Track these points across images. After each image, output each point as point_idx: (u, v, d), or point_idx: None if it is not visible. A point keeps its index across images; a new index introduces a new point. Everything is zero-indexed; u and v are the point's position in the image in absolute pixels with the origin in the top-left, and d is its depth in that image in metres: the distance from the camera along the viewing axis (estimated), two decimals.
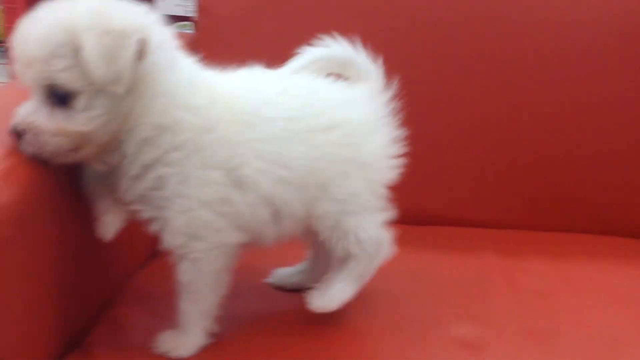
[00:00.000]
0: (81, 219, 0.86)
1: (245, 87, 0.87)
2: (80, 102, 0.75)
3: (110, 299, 0.98)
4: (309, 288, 0.93)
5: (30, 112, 0.76)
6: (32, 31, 0.75)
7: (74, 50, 0.73)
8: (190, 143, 0.80)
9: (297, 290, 0.98)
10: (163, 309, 0.91)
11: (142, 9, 0.80)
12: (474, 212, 1.23)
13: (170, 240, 0.83)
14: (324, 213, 0.89)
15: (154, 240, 0.86)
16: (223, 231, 0.83)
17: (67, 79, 0.74)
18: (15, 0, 2.50)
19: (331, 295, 0.90)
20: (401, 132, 0.94)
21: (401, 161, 0.94)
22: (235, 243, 0.85)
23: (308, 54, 0.94)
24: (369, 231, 0.91)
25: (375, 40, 0.93)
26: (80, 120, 0.75)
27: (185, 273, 0.85)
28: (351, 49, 0.94)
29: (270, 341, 0.89)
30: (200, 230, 0.82)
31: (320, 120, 0.88)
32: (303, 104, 0.88)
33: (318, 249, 0.99)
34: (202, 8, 1.26)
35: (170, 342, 0.87)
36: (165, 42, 0.81)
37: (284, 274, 1.02)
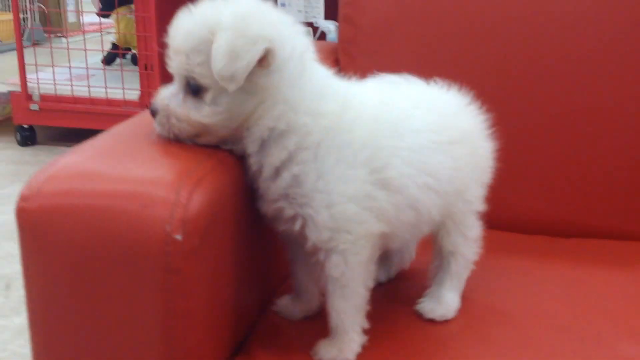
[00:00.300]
0: (252, 224, 0.90)
1: (379, 97, 0.91)
2: (208, 97, 0.81)
3: (268, 302, 1.01)
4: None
5: (168, 95, 0.84)
6: (182, 24, 0.82)
7: (210, 48, 0.79)
8: (323, 143, 0.83)
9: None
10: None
11: (286, 19, 0.84)
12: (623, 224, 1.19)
13: (316, 235, 0.84)
14: (454, 212, 0.95)
15: None
16: (367, 222, 0.85)
17: (200, 73, 0.80)
18: (148, 9, 2.62)
19: (448, 304, 0.95)
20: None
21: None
22: (379, 233, 0.87)
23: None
24: (476, 230, 0.99)
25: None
26: (204, 113, 0.82)
27: (335, 267, 0.86)
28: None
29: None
30: (345, 223, 0.84)
31: (453, 133, 0.92)
32: (437, 118, 0.92)
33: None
34: (345, 17, 1.27)
35: (331, 349, 0.88)
36: (298, 53, 0.83)
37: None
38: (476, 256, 0.99)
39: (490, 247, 1.11)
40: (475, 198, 0.97)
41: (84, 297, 0.76)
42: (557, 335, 0.91)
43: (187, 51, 0.81)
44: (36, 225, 0.75)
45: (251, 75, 0.79)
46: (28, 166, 2.83)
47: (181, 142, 0.85)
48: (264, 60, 0.79)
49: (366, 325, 0.89)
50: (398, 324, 0.94)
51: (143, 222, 0.73)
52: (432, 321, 0.94)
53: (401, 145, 0.86)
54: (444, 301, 0.95)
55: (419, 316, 0.95)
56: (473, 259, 0.99)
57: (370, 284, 0.88)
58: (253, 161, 0.84)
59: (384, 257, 1.02)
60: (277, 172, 0.83)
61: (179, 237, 0.73)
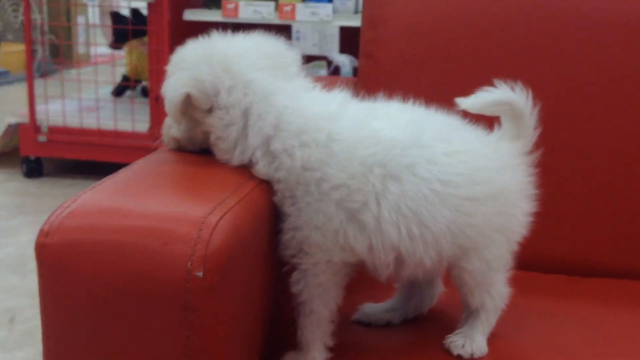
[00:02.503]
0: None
1: (401, 135, 0.86)
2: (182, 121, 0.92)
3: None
4: (395, 324, 0.99)
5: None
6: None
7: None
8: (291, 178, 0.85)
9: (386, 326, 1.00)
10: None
11: (254, 63, 0.89)
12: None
13: (283, 251, 0.88)
14: (472, 270, 0.91)
15: None
16: (330, 251, 0.86)
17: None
18: (162, 42, 2.64)
19: (479, 345, 0.92)
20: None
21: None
22: (343, 262, 0.87)
23: (479, 97, 0.93)
24: (502, 287, 0.95)
25: None
26: (174, 131, 0.93)
27: (295, 284, 0.89)
28: (519, 97, 0.93)
29: None
30: (307, 247, 0.86)
31: (478, 190, 0.87)
32: (466, 171, 0.86)
33: (411, 287, 1.00)
34: (365, 53, 1.28)
35: None
36: (245, 85, 0.87)
37: (371, 310, 1.01)
38: (504, 305, 0.96)
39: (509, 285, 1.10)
40: (497, 257, 0.91)
41: (102, 334, 0.75)
42: None
43: None
44: (56, 260, 0.74)
45: (191, 112, 0.89)
46: (33, 198, 2.83)
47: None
48: (195, 101, 0.87)
49: (330, 343, 0.91)
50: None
51: (164, 259, 0.72)
52: (459, 357, 0.92)
53: (390, 189, 0.84)
54: (475, 340, 0.93)
55: (446, 352, 0.93)
56: (501, 308, 0.96)
57: (333, 306, 0.90)
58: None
59: (404, 298, 1.01)
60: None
61: (199, 274, 0.72)
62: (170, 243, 0.72)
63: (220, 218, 0.76)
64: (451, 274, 0.93)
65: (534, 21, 1.21)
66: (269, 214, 0.87)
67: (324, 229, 0.85)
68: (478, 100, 0.92)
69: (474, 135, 0.92)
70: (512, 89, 0.93)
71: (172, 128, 0.94)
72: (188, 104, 0.88)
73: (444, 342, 0.94)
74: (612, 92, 1.18)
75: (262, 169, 0.87)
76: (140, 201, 0.77)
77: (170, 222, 0.74)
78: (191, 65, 0.88)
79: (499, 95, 0.92)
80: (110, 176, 0.86)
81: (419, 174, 0.84)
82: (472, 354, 0.92)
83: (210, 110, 0.88)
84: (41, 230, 0.75)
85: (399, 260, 0.87)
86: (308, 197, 0.84)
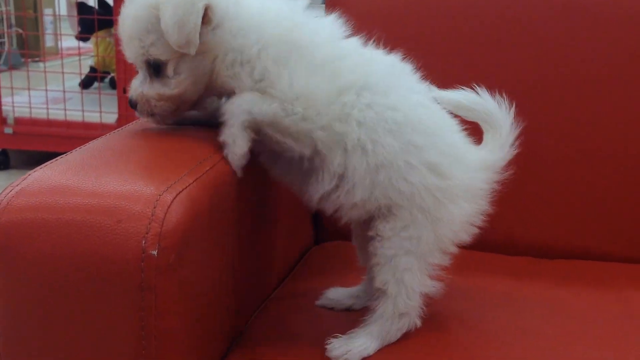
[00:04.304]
0: (241, 228, 0.89)
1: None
2: (169, 70, 0.87)
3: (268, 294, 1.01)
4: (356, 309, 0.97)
5: (139, 84, 0.89)
6: (128, 12, 0.87)
7: (159, 23, 0.83)
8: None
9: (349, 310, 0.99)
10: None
11: None
12: (601, 244, 1.18)
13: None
14: (387, 238, 0.87)
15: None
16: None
17: (156, 52, 0.86)
18: None
19: (353, 349, 0.87)
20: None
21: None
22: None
23: (452, 95, 0.93)
24: (414, 282, 0.88)
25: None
26: (172, 85, 0.87)
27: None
28: (491, 103, 0.93)
29: None
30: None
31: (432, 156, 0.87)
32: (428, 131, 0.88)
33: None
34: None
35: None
36: (232, 1, 0.86)
37: (335, 295, 1.01)
38: (415, 311, 0.89)
39: (473, 267, 1.10)
40: (415, 239, 0.87)
41: (54, 315, 0.72)
42: (540, 354, 0.89)
43: (138, 35, 0.86)
44: (5, 240, 0.71)
45: (200, 36, 0.84)
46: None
47: (168, 120, 0.91)
48: (206, 18, 0.84)
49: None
50: None
51: (118, 237, 0.70)
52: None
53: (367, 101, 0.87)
54: (350, 343, 0.87)
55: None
56: (407, 312, 0.89)
57: None
58: None
59: (369, 285, 0.98)
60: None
61: (154, 252, 0.70)
62: (124, 221, 0.70)
63: (176, 196, 0.74)
64: (369, 249, 0.90)
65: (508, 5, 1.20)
66: (230, 192, 0.85)
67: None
68: (453, 97, 0.93)
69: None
70: (494, 99, 0.92)
71: (161, 88, 0.87)
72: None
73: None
74: (583, 80, 1.18)
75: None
76: (94, 179, 0.75)
77: (123, 200, 0.72)
78: None
79: (474, 99, 0.92)
80: (66, 154, 0.83)
81: (391, 99, 0.87)
82: (338, 357, 0.86)
83: (215, 29, 0.85)
84: None
85: (341, 177, 0.86)
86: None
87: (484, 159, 0.92)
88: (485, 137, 0.95)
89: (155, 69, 0.87)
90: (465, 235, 0.91)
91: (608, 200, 1.18)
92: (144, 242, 0.70)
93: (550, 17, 1.19)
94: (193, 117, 0.95)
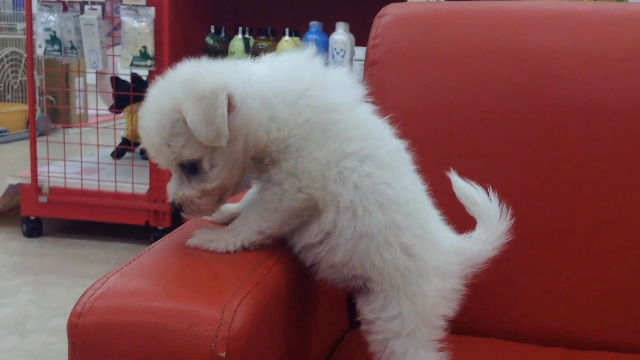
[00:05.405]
0: (290, 323, 0.95)
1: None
2: (205, 165, 0.89)
3: None
4: None
5: (177, 189, 0.91)
6: (148, 123, 0.89)
7: (185, 125, 0.86)
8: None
9: None
10: None
11: (228, 65, 0.92)
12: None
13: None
14: (373, 319, 0.94)
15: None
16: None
17: (188, 153, 0.88)
18: None
19: None
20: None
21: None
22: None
23: (466, 187, 0.99)
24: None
25: None
26: (212, 179, 0.90)
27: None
28: (494, 207, 0.99)
29: None
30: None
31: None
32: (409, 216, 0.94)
33: None
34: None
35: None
36: (247, 81, 0.90)
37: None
38: None
39: (503, 358, 1.14)
40: (398, 317, 0.93)
41: None
42: None
43: (166, 142, 0.88)
44: (88, 341, 0.79)
45: (228, 123, 0.86)
46: (33, 258, 2.85)
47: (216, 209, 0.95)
48: (230, 106, 0.87)
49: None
50: None
51: (190, 340, 0.77)
52: None
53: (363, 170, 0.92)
54: None
55: None
56: None
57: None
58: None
59: None
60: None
61: (223, 354, 0.77)
62: (196, 325, 0.78)
63: (241, 301, 0.81)
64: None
65: (522, 105, 1.26)
66: (283, 292, 0.93)
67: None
68: (466, 188, 0.99)
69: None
70: (490, 199, 0.98)
71: (202, 184, 0.90)
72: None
73: None
74: (595, 170, 1.23)
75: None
76: (166, 283, 0.83)
77: (195, 304, 0.80)
78: (192, 88, 0.86)
79: (480, 197, 0.98)
80: (135, 258, 0.91)
81: (388, 175, 0.93)
82: None
83: (238, 112, 0.88)
84: (74, 311, 0.80)
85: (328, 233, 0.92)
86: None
87: (459, 245, 0.98)
88: (477, 229, 1.00)
89: (191, 169, 0.90)
90: (446, 309, 0.96)
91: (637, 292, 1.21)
92: (213, 345, 0.77)
93: (548, 115, 1.26)
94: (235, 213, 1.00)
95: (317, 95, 0.91)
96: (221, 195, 0.94)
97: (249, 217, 0.93)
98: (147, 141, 0.90)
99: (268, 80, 0.91)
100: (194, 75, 0.88)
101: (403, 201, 0.94)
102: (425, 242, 0.95)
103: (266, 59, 0.96)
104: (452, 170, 1.00)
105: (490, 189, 0.98)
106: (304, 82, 0.92)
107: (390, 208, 0.92)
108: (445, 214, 1.02)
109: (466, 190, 0.99)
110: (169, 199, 0.93)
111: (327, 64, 0.96)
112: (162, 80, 0.91)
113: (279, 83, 0.91)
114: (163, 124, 0.88)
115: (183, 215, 0.94)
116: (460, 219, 1.01)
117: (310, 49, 0.95)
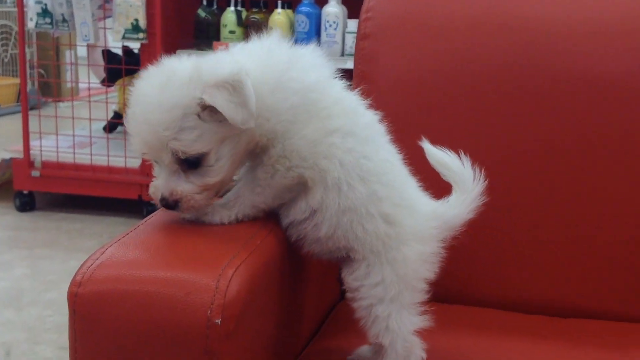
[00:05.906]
0: (283, 293, 0.97)
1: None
2: (211, 158, 0.89)
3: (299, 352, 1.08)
4: None
5: (169, 185, 0.89)
6: (150, 118, 0.86)
7: (197, 118, 0.86)
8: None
9: None
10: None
11: (210, 58, 0.92)
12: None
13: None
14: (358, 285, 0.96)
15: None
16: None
17: (200, 146, 0.87)
18: None
19: None
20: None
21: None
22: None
23: (438, 153, 1.01)
24: (404, 325, 0.96)
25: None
26: (215, 172, 0.90)
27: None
28: (468, 172, 1.01)
29: None
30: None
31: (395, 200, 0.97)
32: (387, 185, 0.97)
33: None
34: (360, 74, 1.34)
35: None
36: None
37: (363, 352, 1.06)
38: (411, 349, 0.97)
39: (489, 326, 1.17)
40: (379, 283, 0.96)
41: None
42: None
43: (175, 136, 0.86)
44: (88, 308, 0.81)
45: None
46: (26, 232, 2.87)
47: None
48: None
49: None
50: None
51: (187, 308, 0.80)
52: None
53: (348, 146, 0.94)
54: None
55: None
56: (406, 354, 0.96)
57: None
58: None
59: None
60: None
61: (218, 321, 0.80)
62: (192, 293, 0.80)
63: (236, 269, 0.84)
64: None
65: (516, 77, 1.28)
66: (276, 262, 0.96)
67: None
68: (438, 155, 1.01)
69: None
70: (463, 163, 1.00)
71: (203, 179, 0.89)
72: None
73: None
74: (591, 142, 1.25)
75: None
76: (163, 254, 0.85)
77: (191, 274, 0.82)
78: (212, 74, 0.87)
79: (454, 163, 1.00)
80: (132, 229, 0.93)
81: (366, 148, 0.95)
82: None
83: None
84: (74, 281, 0.83)
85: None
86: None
87: (437, 210, 1.01)
88: (453, 194, 1.03)
89: (193, 164, 0.88)
90: (427, 272, 0.98)
91: (621, 260, 1.24)
92: (209, 312, 0.80)
93: (542, 86, 1.27)
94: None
95: (298, 78, 0.92)
96: (219, 190, 0.94)
97: (242, 192, 0.96)
98: (148, 137, 0.87)
99: (253, 70, 0.90)
100: (198, 67, 0.88)
101: (382, 172, 0.96)
102: (404, 209, 0.97)
103: (236, 50, 0.96)
104: (424, 138, 1.02)
105: (462, 153, 1.00)
106: (283, 65, 0.92)
107: (371, 180, 0.95)
108: (423, 180, 1.04)
109: (439, 156, 1.01)
110: (158, 196, 0.90)
111: (294, 44, 0.96)
112: (155, 77, 0.89)
113: (260, 70, 0.91)
114: (173, 119, 0.85)
115: (176, 212, 0.92)
116: (440, 185, 1.03)
117: (276, 32, 0.96)
